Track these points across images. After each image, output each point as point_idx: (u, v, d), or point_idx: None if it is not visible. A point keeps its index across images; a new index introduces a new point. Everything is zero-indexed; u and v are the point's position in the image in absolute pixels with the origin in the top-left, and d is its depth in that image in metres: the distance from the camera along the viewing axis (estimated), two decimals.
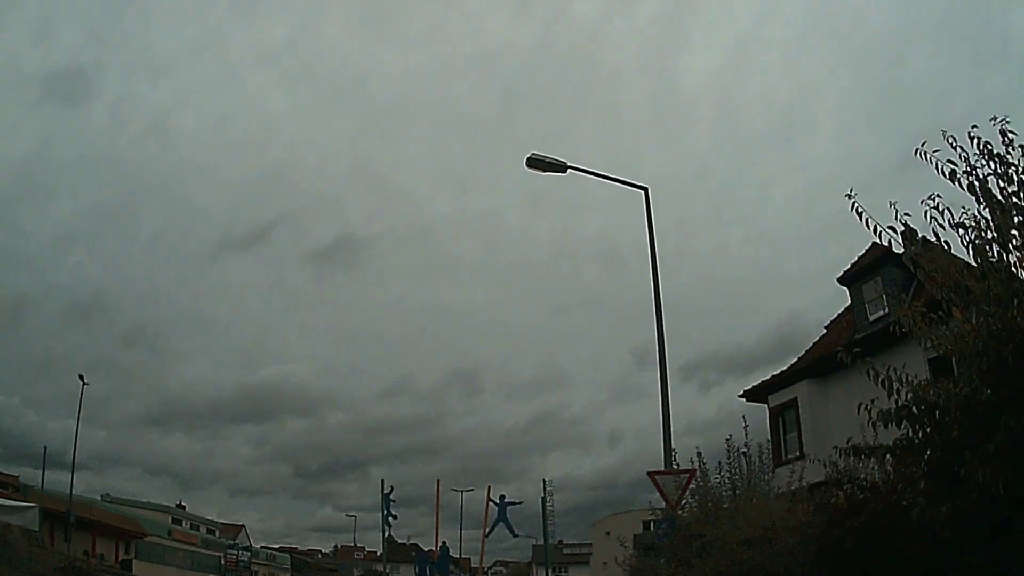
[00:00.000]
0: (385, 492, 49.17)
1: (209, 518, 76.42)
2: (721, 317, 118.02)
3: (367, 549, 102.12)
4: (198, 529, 71.61)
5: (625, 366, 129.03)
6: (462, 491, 62.94)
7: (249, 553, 73.21)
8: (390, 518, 49.66)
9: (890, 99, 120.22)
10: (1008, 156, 7.30)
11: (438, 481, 51.64)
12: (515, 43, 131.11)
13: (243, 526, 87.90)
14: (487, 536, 49.11)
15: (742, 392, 30.21)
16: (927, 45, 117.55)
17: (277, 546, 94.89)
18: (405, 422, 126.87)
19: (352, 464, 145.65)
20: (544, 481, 50.39)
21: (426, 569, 47.34)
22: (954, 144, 7.46)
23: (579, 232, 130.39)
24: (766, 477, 19.69)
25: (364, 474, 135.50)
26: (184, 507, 73.41)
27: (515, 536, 50.99)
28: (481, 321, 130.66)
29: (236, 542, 74.47)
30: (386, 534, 51.52)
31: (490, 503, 47.74)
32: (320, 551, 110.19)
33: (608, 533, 73.75)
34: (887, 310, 22.63)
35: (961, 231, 7.30)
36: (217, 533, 75.07)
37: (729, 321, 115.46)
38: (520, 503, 49.51)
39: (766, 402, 29.54)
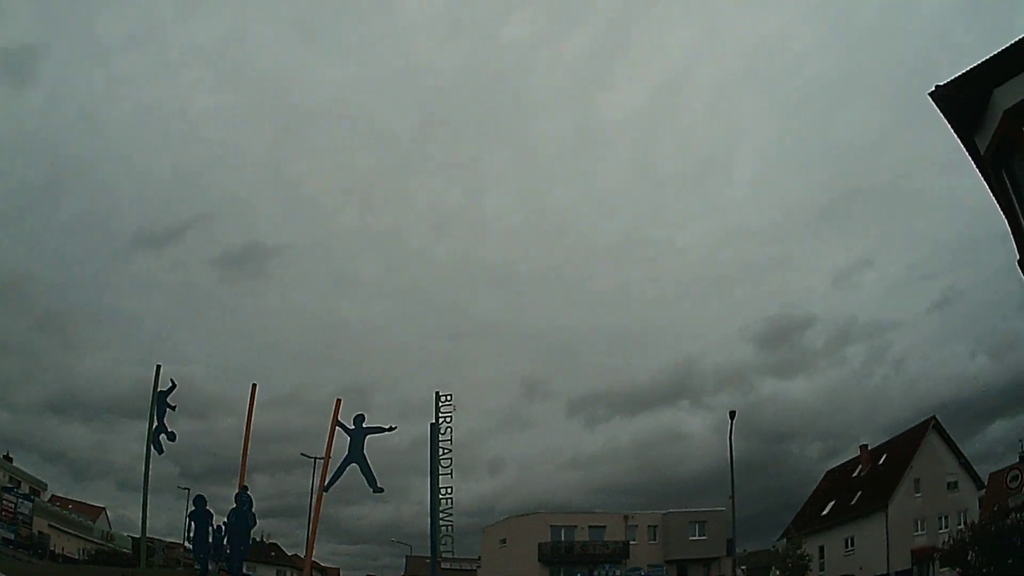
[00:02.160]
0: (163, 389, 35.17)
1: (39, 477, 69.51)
2: (616, 355, 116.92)
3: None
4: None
5: (514, 396, 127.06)
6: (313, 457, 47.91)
7: (32, 504, 60.86)
8: (163, 435, 35.42)
9: (815, 152, 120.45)
10: None
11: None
12: (441, 64, 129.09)
13: (104, 509, 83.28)
14: (326, 489, 33.37)
15: None
16: (860, 100, 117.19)
17: None
18: (293, 433, 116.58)
19: (236, 469, 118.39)
20: (437, 395, 36.53)
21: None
22: None
23: (479, 259, 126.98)
24: None
25: (249, 481, 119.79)
26: (11, 459, 65.36)
27: (377, 490, 32.47)
28: (376, 339, 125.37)
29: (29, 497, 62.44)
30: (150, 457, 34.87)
31: (338, 426, 32.57)
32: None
33: (504, 541, 63.14)
34: None
35: None
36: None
37: (623, 359, 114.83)
38: (391, 429, 32.87)
39: None
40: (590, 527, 64.34)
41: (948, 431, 59.56)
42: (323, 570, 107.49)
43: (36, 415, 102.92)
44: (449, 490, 35.37)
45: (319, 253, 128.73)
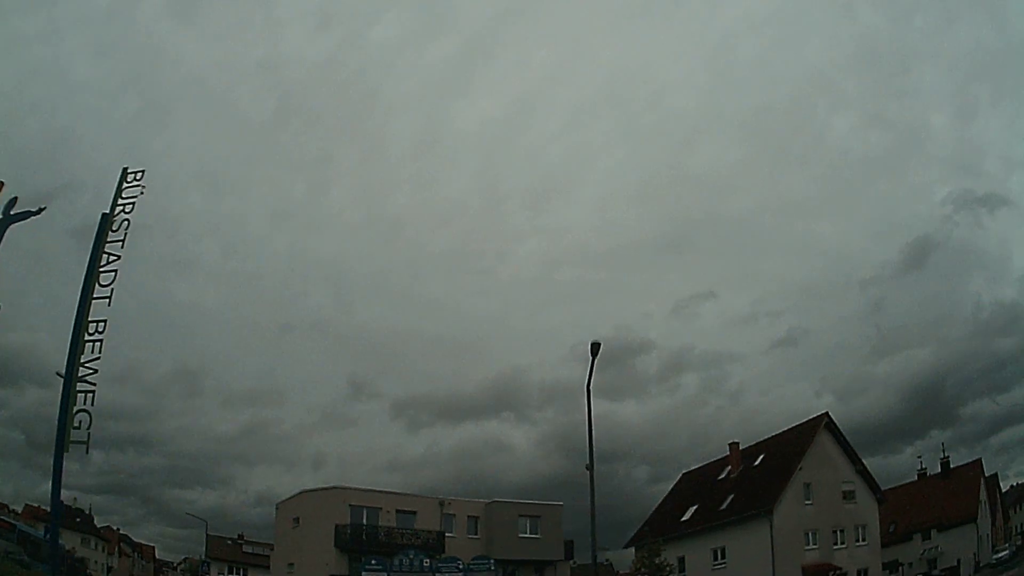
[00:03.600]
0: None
1: None
2: (444, 361, 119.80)
3: None
4: None
5: (340, 393, 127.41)
6: None
7: None
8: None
9: (665, 182, 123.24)
10: None
11: None
12: (305, 56, 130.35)
13: None
14: None
15: None
16: (718, 136, 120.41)
17: None
18: (127, 410, 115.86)
19: (73, 444, 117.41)
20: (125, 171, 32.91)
21: None
22: None
23: (314, 254, 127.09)
24: None
25: (83, 455, 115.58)
26: None
27: None
28: (210, 324, 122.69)
29: None
30: None
31: None
32: None
33: (298, 520, 53.27)
34: None
35: None
36: None
37: (451, 367, 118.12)
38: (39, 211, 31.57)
39: None
40: (398, 511, 54.43)
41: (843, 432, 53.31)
42: (136, 546, 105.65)
43: None
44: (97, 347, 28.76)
45: (161, 232, 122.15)
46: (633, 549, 58.09)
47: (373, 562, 44.51)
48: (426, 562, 44.90)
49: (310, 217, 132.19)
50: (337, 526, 52.78)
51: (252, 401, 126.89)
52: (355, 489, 54.45)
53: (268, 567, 65.21)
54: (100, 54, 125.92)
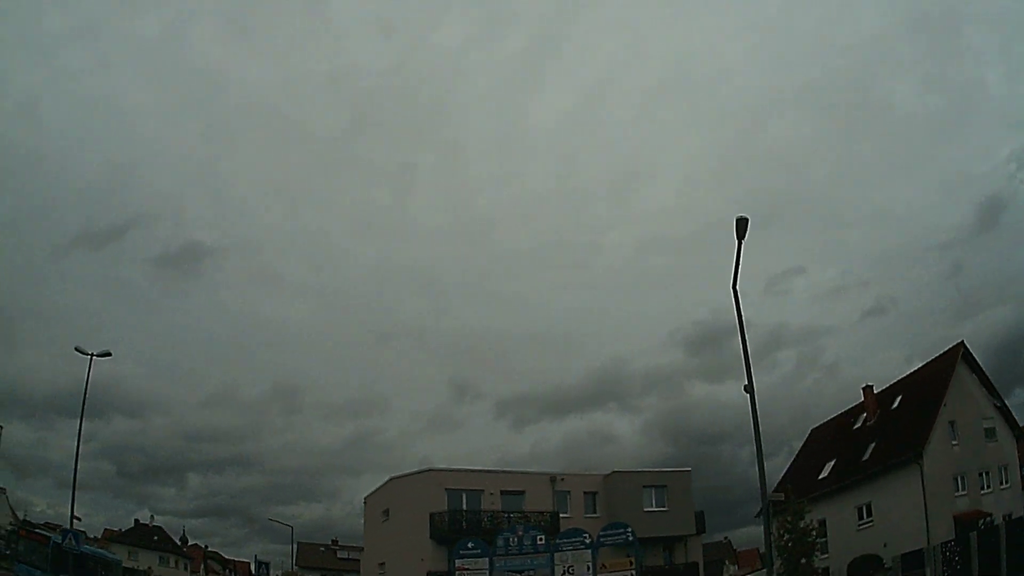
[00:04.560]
0: None
1: None
2: (543, 357, 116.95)
3: None
4: None
5: (443, 397, 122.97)
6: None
7: None
8: None
9: (743, 162, 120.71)
10: None
11: None
12: (372, 66, 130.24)
13: (4, 489, 78.13)
14: None
15: None
16: (789, 111, 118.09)
17: None
18: (225, 432, 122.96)
19: (170, 469, 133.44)
20: None
21: None
22: None
23: (404, 262, 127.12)
24: None
25: (181, 480, 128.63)
26: None
27: None
28: (304, 339, 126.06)
29: None
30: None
31: None
32: None
33: (387, 513, 45.74)
34: None
35: None
36: None
37: (550, 362, 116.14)
38: None
39: None
40: (503, 492, 46.59)
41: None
42: (228, 563, 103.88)
43: None
44: None
45: (246, 252, 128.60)
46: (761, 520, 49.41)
47: (470, 545, 35.49)
48: (540, 539, 35.44)
49: (395, 225, 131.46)
50: (432, 514, 45.35)
51: (354, 412, 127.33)
52: (450, 471, 46.96)
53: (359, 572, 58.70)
54: (154, 82, 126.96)
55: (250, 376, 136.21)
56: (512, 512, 45.60)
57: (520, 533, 35.36)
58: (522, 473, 48.25)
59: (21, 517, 69.79)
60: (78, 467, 39.29)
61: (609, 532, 35.56)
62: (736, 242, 23.61)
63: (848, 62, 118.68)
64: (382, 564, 50.93)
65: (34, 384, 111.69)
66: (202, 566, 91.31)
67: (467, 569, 34.42)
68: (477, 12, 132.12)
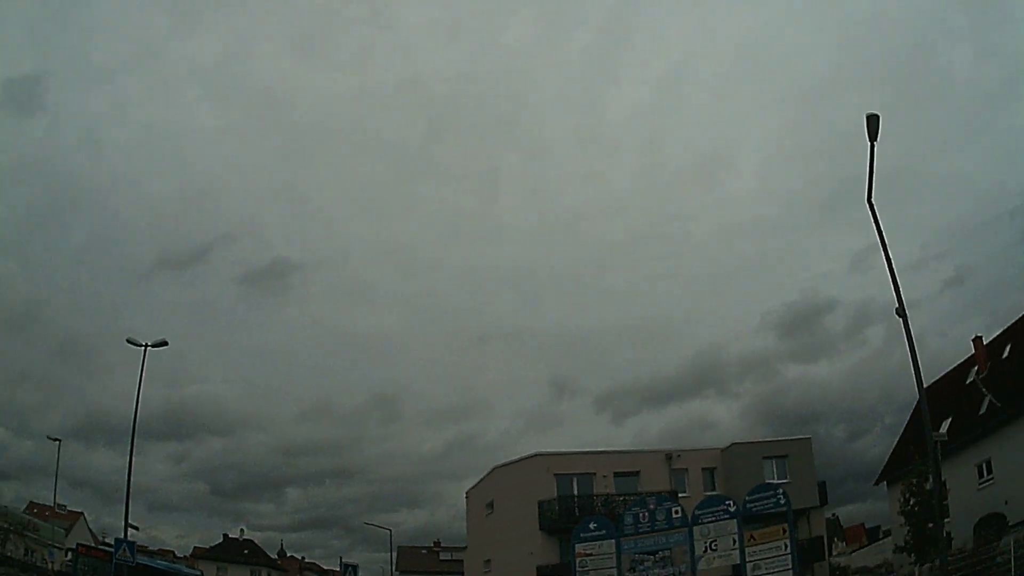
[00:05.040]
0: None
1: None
2: (638, 349, 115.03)
3: None
4: None
5: (543, 396, 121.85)
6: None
7: None
8: None
9: (816, 140, 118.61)
10: None
11: None
12: (443, 71, 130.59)
13: (82, 513, 78.97)
14: None
15: None
16: (859, 87, 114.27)
17: None
18: (323, 445, 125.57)
19: (267, 484, 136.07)
20: None
21: None
22: None
23: (494, 264, 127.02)
24: None
25: (280, 494, 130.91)
26: None
27: None
28: (399, 348, 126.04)
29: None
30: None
31: None
32: None
33: (491, 505, 42.18)
34: None
35: None
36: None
37: (646, 354, 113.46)
38: None
39: None
40: (615, 475, 42.83)
41: None
42: (324, 573, 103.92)
43: (60, 442, 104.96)
44: None
45: (334, 266, 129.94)
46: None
47: (592, 526, 29.87)
48: (676, 512, 29.50)
49: (483, 228, 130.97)
50: (541, 503, 41.61)
51: (455, 417, 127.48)
52: (559, 454, 43.64)
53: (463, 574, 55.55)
54: (220, 104, 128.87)
55: (346, 388, 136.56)
56: (627, 495, 41.86)
57: (652, 506, 29.56)
58: (636, 452, 45.03)
59: (101, 540, 69.13)
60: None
61: (758, 497, 29.38)
62: (868, 144, 22.83)
63: (908, 36, 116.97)
64: (487, 561, 47.86)
65: (121, 410, 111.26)
66: None
67: (590, 555, 28.10)
68: (543, 9, 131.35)
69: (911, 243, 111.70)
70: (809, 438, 47.84)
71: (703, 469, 45.30)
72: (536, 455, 43.75)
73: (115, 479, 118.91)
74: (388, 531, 66.23)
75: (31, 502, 71.86)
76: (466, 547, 57.58)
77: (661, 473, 43.72)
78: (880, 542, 58.63)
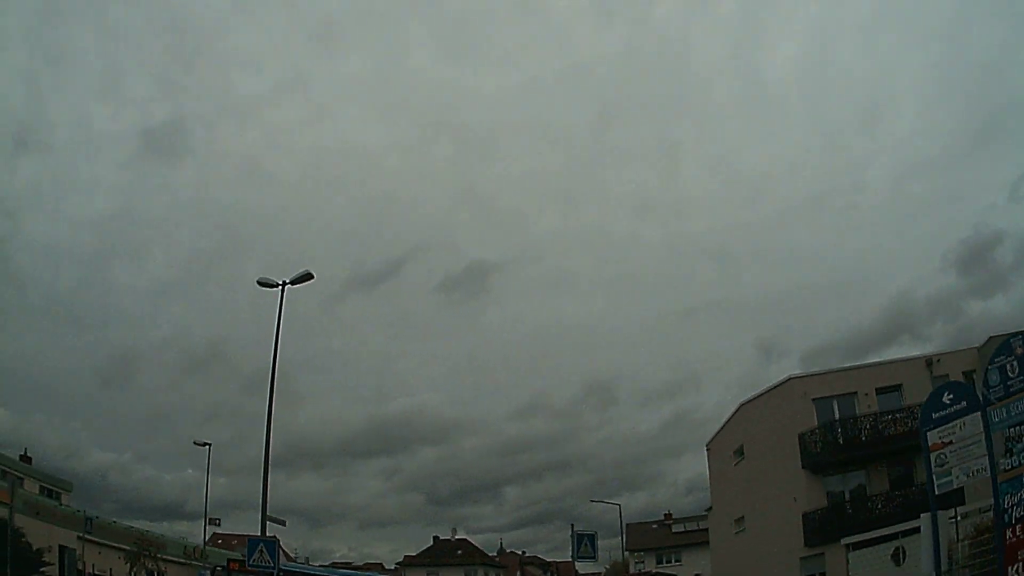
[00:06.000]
0: None
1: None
2: (834, 305, 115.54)
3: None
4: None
5: (751, 362, 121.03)
6: None
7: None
8: None
9: (967, 74, 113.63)
10: None
11: None
12: (603, 53, 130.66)
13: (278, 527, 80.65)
14: None
15: None
16: (988, 18, 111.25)
17: None
18: (539, 440, 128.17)
19: (484, 486, 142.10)
20: None
21: None
22: None
23: (687, 234, 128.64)
24: None
25: (498, 495, 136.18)
26: (30, 459, 55.12)
27: None
28: (605, 332, 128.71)
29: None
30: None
31: None
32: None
33: (740, 451, 38.95)
34: None
35: None
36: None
37: (840, 308, 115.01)
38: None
39: None
40: (877, 391, 37.91)
41: None
42: (548, 565, 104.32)
43: (255, 474, 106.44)
44: None
45: (528, 261, 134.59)
46: None
47: (948, 396, 12.67)
48: None
49: (669, 202, 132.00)
50: (801, 436, 37.04)
51: (669, 394, 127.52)
52: (815, 375, 39.01)
53: (704, 543, 51.45)
54: (383, 117, 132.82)
55: (558, 379, 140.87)
56: (893, 412, 37.00)
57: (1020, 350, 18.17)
58: (895, 363, 40.04)
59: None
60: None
61: None
62: None
63: None
64: (739, 519, 43.43)
65: (322, 434, 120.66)
66: (517, 573, 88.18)
67: (949, 443, 16.83)
68: None
69: None
70: None
71: (963, 373, 39.85)
72: (789, 379, 39.48)
73: (321, 503, 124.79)
74: (617, 506, 62.89)
75: (215, 533, 73.49)
76: (703, 516, 53.72)
77: (922, 383, 38.53)
78: None
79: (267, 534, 23.92)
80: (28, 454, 54.66)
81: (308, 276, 28.79)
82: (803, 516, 36.76)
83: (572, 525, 24.54)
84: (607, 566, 72.03)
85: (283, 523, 24.57)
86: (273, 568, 22.67)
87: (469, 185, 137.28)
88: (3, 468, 47.87)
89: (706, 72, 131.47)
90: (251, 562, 22.64)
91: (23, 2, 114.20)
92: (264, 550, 22.76)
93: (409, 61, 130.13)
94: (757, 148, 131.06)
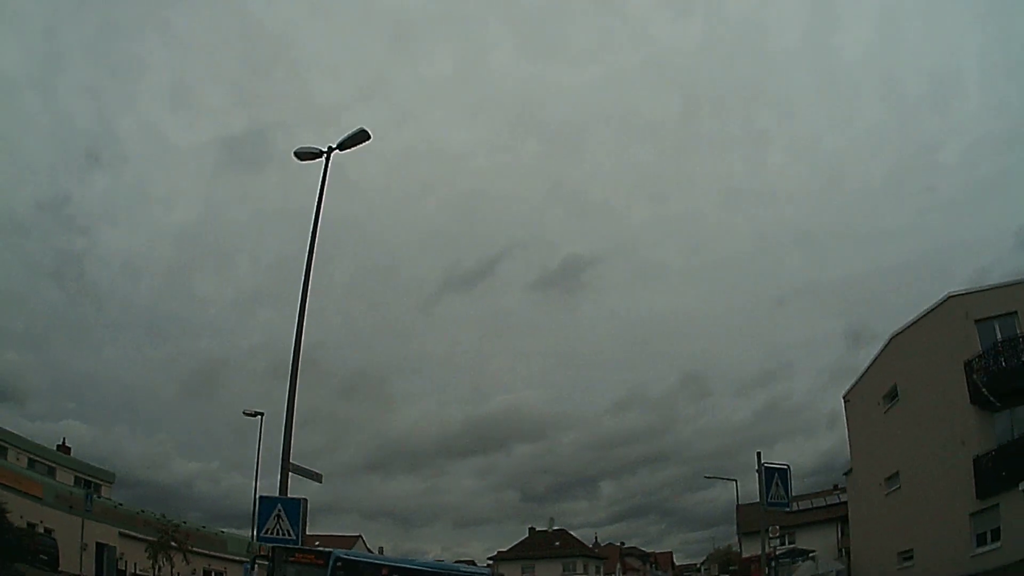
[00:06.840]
0: None
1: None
2: (915, 286, 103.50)
3: None
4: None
5: (840, 347, 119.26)
6: None
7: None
8: None
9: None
10: None
11: None
12: (682, 44, 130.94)
13: (359, 537, 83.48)
14: None
15: None
16: None
17: None
18: (636, 433, 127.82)
19: (580, 481, 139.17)
20: None
21: None
22: None
23: (775, 221, 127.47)
24: None
25: (593, 490, 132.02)
26: (69, 450, 51.85)
27: None
28: (699, 323, 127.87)
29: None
30: None
31: None
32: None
33: (894, 393, 38.31)
34: None
35: None
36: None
37: (922, 289, 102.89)
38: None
39: None
40: None
41: None
42: (648, 556, 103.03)
43: (350, 477, 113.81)
44: None
45: (622, 254, 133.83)
46: None
47: None
48: None
49: (757, 190, 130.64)
50: (967, 364, 29.60)
51: (762, 382, 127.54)
52: (977, 292, 31.52)
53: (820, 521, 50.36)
54: (469, 117, 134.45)
55: (654, 372, 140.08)
56: None
57: None
58: None
59: None
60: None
61: None
62: None
63: None
64: (892, 477, 36.25)
65: (418, 436, 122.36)
66: (618, 565, 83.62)
67: None
68: None
69: None
70: None
71: None
72: (949, 298, 31.71)
73: (415, 504, 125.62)
74: (734, 481, 57.66)
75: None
76: (846, 474, 46.76)
77: None
78: None
79: (289, 494, 16.55)
80: (66, 444, 51.63)
81: (363, 135, 21.26)
82: (974, 461, 29.33)
83: (759, 454, 17.62)
84: (710, 552, 65.94)
85: (318, 478, 17.81)
86: (295, 540, 15.60)
87: (558, 180, 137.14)
88: (32, 458, 45.05)
89: (782, 58, 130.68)
90: (263, 533, 15.44)
91: (83, 19, 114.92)
92: (283, 514, 15.21)
93: (489, 60, 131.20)
94: (836, 132, 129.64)
